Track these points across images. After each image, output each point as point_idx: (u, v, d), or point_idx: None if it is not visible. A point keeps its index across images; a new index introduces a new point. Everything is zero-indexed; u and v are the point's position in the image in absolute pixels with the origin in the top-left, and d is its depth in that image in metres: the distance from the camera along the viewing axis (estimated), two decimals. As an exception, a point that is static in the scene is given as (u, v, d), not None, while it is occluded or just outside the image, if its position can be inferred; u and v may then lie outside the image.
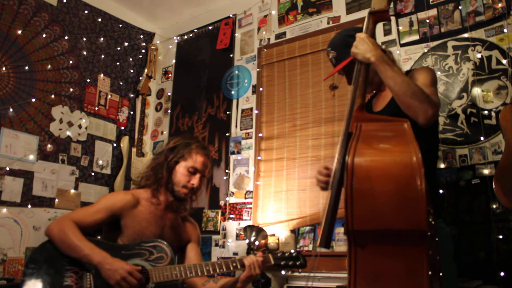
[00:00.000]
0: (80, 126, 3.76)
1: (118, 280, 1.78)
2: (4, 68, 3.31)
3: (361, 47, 1.50)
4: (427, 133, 1.56)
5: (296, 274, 2.77)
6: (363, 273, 1.09)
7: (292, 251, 2.17)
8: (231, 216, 3.48)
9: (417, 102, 1.46)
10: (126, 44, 4.26)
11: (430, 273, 1.03)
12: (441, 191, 2.38)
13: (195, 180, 2.09)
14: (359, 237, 1.09)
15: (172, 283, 1.90)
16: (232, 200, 3.52)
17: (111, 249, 1.90)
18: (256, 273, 1.93)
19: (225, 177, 3.61)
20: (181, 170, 2.09)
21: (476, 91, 2.58)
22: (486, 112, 2.53)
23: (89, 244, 1.85)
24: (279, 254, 2.05)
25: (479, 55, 2.61)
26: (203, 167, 2.12)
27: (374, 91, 1.88)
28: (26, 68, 3.44)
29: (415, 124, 1.23)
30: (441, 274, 1.21)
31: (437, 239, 1.23)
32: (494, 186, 2.24)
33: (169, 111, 4.24)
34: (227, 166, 3.63)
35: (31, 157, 3.37)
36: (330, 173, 1.63)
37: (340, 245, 2.81)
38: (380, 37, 3.02)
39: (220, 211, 3.55)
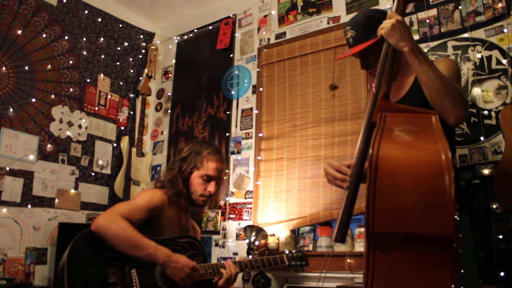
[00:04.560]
0: (80, 126, 3.76)
1: (183, 277, 1.85)
2: (4, 68, 3.31)
3: (397, 31, 1.34)
4: (450, 129, 1.48)
5: (296, 274, 2.78)
6: (380, 278, 1.01)
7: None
8: (231, 216, 3.47)
9: (450, 102, 1.36)
10: (126, 44, 4.26)
11: (452, 286, 0.96)
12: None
13: (211, 188, 2.11)
14: (378, 239, 1.01)
15: (207, 281, 1.99)
16: (232, 200, 3.52)
17: None
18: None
19: (225, 177, 3.60)
20: (196, 180, 2.10)
21: (476, 91, 2.58)
22: (486, 112, 2.53)
23: (152, 243, 1.84)
24: (289, 255, 2.21)
25: (479, 55, 2.61)
26: (216, 173, 2.14)
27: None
28: (26, 68, 3.44)
29: (441, 119, 1.14)
30: (462, 271, 1.13)
31: (460, 235, 1.15)
32: (494, 186, 2.24)
33: (169, 111, 4.24)
34: (227, 166, 3.63)
35: (31, 157, 3.37)
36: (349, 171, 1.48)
37: (340, 245, 2.81)
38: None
39: (220, 211, 3.55)
